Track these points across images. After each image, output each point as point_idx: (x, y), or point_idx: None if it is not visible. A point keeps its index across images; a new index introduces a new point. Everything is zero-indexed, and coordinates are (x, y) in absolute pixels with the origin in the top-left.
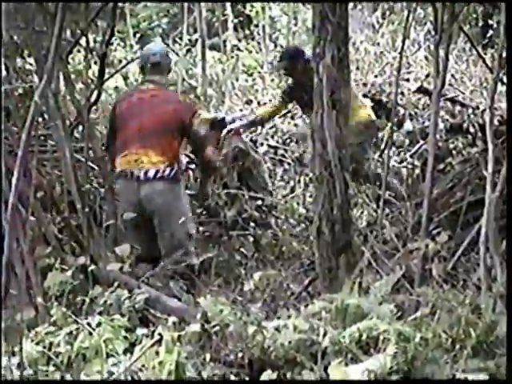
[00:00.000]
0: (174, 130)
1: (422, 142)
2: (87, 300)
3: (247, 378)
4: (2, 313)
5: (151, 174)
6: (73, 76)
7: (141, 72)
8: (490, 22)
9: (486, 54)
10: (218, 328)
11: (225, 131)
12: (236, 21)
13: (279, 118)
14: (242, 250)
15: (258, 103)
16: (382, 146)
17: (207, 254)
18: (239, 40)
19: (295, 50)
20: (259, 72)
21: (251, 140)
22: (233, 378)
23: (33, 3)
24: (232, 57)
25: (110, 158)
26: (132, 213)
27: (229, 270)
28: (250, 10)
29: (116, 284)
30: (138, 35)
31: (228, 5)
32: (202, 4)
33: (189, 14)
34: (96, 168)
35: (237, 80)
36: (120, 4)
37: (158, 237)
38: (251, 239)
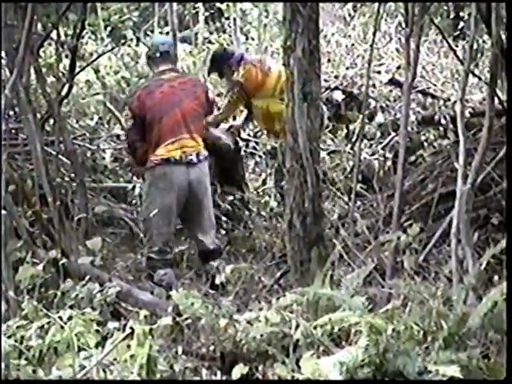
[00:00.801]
0: (204, 112)
1: (393, 134)
2: (58, 294)
3: (219, 371)
4: (1, 313)
5: (202, 156)
6: (44, 69)
7: (150, 62)
8: (461, 13)
9: (457, 45)
10: (189, 321)
11: (227, 126)
12: (207, 14)
13: None
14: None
15: None
16: (354, 139)
17: (179, 247)
18: (210, 33)
19: (220, 55)
20: None
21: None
22: (205, 371)
23: None
24: (203, 49)
25: (142, 149)
26: (177, 197)
27: (200, 263)
28: (221, 3)
29: (87, 278)
30: (108, 28)
31: None
32: None
33: (160, 7)
34: (67, 161)
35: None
36: None
37: (198, 216)
38: (223, 232)
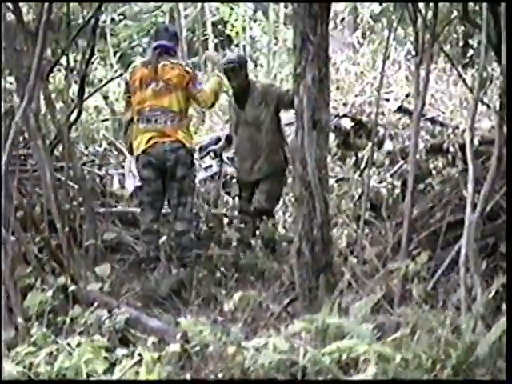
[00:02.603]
0: None
1: (401, 161)
2: (67, 320)
3: None
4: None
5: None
6: (53, 95)
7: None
8: (471, 41)
9: (466, 73)
10: (198, 348)
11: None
12: (216, 40)
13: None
14: (222, 269)
15: None
16: (362, 166)
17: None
18: None
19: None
20: None
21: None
22: None
23: (14, 23)
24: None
25: None
26: None
27: (209, 290)
28: (231, 30)
29: (96, 304)
30: (118, 54)
31: (209, 25)
32: (183, 23)
33: None
34: (76, 187)
35: None
36: (100, 23)
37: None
38: (231, 259)
